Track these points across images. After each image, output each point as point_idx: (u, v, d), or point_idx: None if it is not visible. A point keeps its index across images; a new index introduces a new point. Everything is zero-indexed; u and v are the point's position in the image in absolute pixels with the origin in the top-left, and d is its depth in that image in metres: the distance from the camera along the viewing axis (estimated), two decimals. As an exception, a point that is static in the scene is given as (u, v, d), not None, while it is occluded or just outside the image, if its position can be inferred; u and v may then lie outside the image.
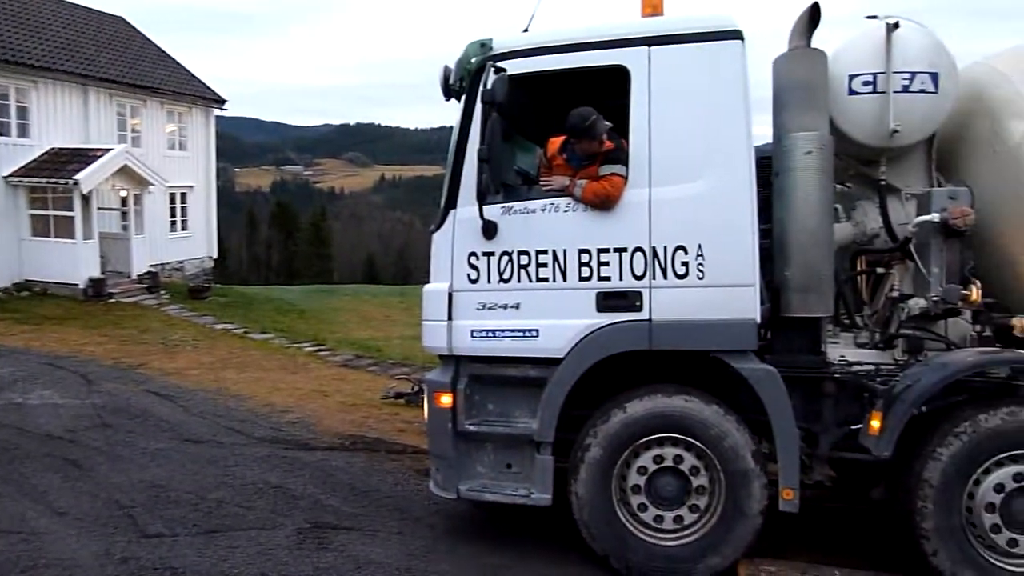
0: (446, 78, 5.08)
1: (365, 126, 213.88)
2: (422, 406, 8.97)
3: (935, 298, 4.69)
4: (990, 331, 4.79)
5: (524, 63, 4.84)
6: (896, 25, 4.84)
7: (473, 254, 4.86)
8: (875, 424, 4.41)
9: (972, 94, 5.00)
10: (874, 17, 5.01)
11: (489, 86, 4.62)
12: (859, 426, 4.64)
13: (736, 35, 4.63)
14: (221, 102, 24.40)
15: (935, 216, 4.66)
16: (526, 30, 5.19)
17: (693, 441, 4.56)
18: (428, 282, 5.07)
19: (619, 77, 4.74)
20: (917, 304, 4.77)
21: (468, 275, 4.87)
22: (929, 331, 4.83)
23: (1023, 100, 4.74)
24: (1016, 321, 4.62)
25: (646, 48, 4.70)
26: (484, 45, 4.88)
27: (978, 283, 4.72)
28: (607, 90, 4.86)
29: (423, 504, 5.87)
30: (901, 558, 4.61)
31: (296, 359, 13.68)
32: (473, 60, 4.88)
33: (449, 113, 5.13)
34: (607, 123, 4.73)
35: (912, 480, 4.35)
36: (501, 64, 4.73)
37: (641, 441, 4.61)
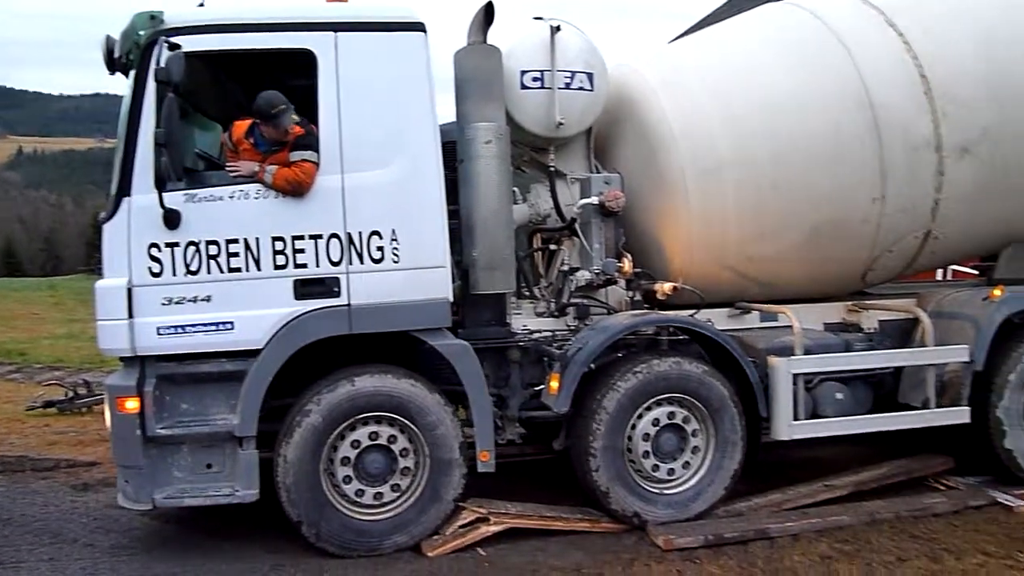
0: (110, 50, 4.63)
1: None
2: (81, 413, 8.12)
3: (597, 270, 5.38)
4: (640, 296, 5.64)
5: (201, 40, 4.57)
6: (558, 28, 5.41)
7: (155, 245, 4.51)
8: (554, 384, 4.98)
9: (619, 92, 5.77)
10: (540, 19, 5.53)
11: (163, 64, 4.28)
12: (542, 387, 5.20)
13: (418, 27, 4.84)
14: None
15: (594, 199, 5.35)
16: (201, 4, 4.89)
17: (409, 424, 4.75)
18: (98, 277, 4.60)
19: (307, 60, 4.69)
20: (583, 276, 5.43)
21: (150, 268, 4.51)
22: (594, 299, 5.53)
23: (657, 99, 5.59)
24: (658, 286, 5.48)
25: (332, 34, 4.72)
26: (154, 18, 4.51)
27: (630, 256, 5.52)
28: (296, 72, 4.79)
29: (81, 523, 5.36)
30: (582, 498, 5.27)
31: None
32: (142, 33, 4.48)
33: (107, 80, 4.66)
34: (294, 109, 4.67)
35: (592, 407, 4.94)
36: (175, 40, 4.41)
37: (360, 416, 4.69)
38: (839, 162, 5.53)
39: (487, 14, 5.22)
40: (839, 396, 5.41)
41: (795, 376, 5.18)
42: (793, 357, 5.22)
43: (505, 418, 5.29)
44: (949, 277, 8.39)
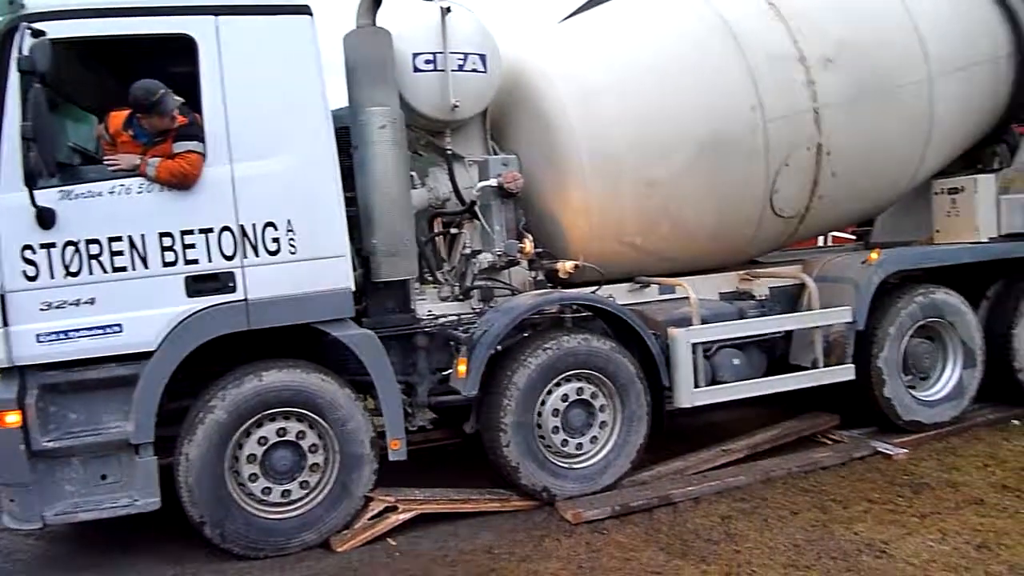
0: (-35, 39, 4.26)
1: None
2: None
3: (499, 252, 5.39)
4: (543, 275, 5.70)
5: (68, 26, 4.28)
6: (448, 9, 5.34)
7: (28, 247, 4.23)
8: (461, 368, 4.98)
9: (513, 73, 5.77)
10: (429, 0, 5.46)
11: (27, 52, 4.00)
12: (450, 371, 5.20)
13: (304, 10, 4.69)
14: None
15: (492, 181, 5.35)
16: None
17: (318, 419, 4.66)
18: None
19: (187, 46, 4.48)
20: (485, 258, 5.44)
21: (24, 272, 4.23)
22: (497, 280, 5.55)
23: (551, 81, 5.63)
24: (559, 265, 5.55)
25: (212, 17, 4.51)
26: (13, 2, 4.19)
27: (531, 236, 5.56)
28: (177, 58, 4.56)
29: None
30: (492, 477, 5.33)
31: None
32: (0, 19, 4.16)
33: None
34: (177, 97, 4.46)
35: (503, 383, 4.98)
36: (38, 26, 4.12)
37: (267, 412, 4.57)
38: (712, 81, 5.74)
39: (375, -5, 5.11)
40: (736, 362, 5.64)
41: (694, 345, 5.38)
42: (691, 327, 5.41)
43: (414, 405, 5.27)
44: (830, 243, 8.89)
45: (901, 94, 6.20)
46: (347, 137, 5.10)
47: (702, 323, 5.47)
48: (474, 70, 5.45)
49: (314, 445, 4.70)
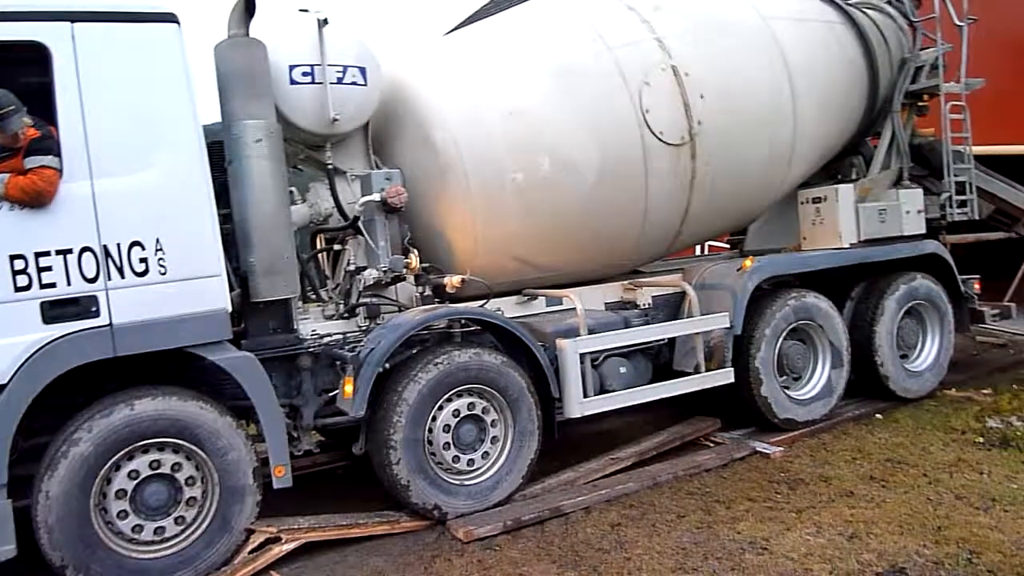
0: None
1: None
2: None
3: (384, 268, 5.28)
4: (430, 290, 5.64)
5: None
6: (326, 21, 5.22)
7: None
8: (348, 388, 4.84)
9: (395, 87, 5.70)
10: (306, 11, 5.31)
11: None
12: (336, 392, 5.04)
13: (169, 18, 4.47)
14: None
15: (376, 196, 5.24)
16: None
17: (196, 450, 4.41)
18: None
19: (40, 54, 4.17)
20: (371, 274, 5.32)
21: None
22: (383, 297, 5.45)
23: (434, 94, 5.60)
24: (446, 280, 5.50)
25: (68, 24, 4.22)
26: None
27: (416, 251, 5.49)
28: (29, 67, 4.23)
29: None
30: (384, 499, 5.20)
31: None
32: None
33: None
34: (27, 118, 4.14)
35: (393, 400, 4.88)
36: None
37: (140, 444, 4.27)
38: (595, 95, 5.83)
39: (247, 5, 4.92)
40: (623, 370, 5.77)
41: (582, 355, 5.45)
42: (579, 338, 5.49)
43: (300, 428, 5.08)
44: (707, 252, 9.28)
45: (769, 116, 6.54)
46: (221, 152, 4.88)
47: (589, 333, 5.56)
48: (354, 83, 5.34)
49: (191, 478, 4.44)
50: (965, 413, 6.66)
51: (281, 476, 4.68)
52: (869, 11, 7.66)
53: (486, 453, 5.23)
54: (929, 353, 7.31)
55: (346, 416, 4.92)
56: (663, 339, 6.05)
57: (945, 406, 6.94)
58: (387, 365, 4.95)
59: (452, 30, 7.04)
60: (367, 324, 5.34)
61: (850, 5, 7.54)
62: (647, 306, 6.38)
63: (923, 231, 7.33)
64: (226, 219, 4.81)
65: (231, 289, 4.67)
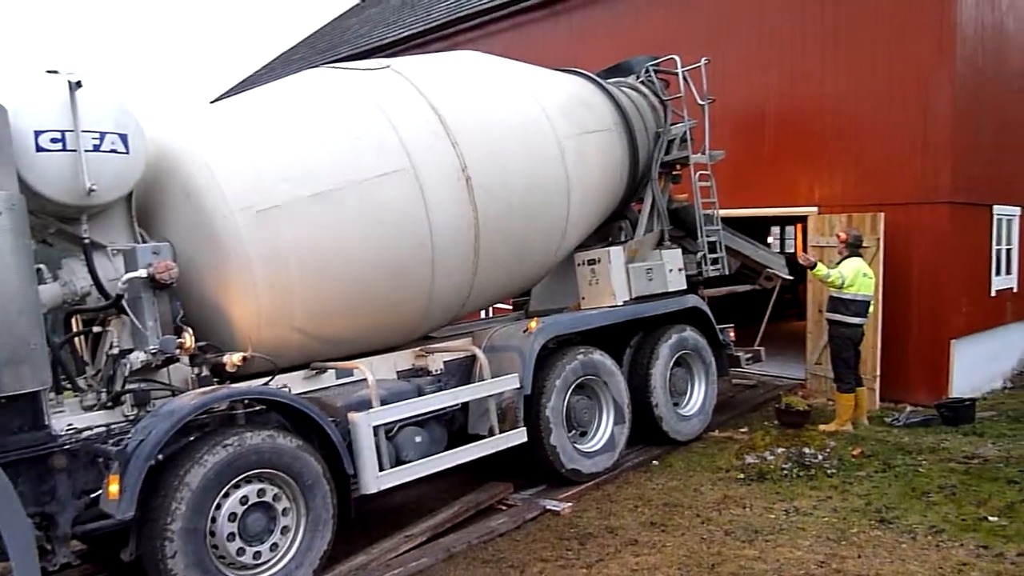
0: None
1: None
2: None
3: (153, 350, 4.85)
4: (207, 371, 5.24)
5: None
6: (79, 83, 4.78)
7: None
8: (113, 488, 4.35)
9: (162, 155, 5.33)
10: (55, 72, 4.84)
11: None
12: (100, 492, 4.50)
13: None
14: None
15: (142, 271, 4.82)
16: None
17: None
18: None
19: None
20: (138, 358, 4.86)
21: None
22: (154, 381, 5.00)
23: (205, 164, 5.28)
24: (227, 358, 5.15)
25: None
26: None
27: (191, 330, 5.09)
28: None
29: None
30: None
31: None
32: None
33: None
34: None
35: (173, 484, 4.47)
36: None
37: None
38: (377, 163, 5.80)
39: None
40: (418, 439, 5.71)
41: (375, 428, 5.34)
42: (371, 410, 5.37)
43: (55, 539, 4.45)
44: (491, 315, 9.56)
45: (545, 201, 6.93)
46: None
47: (381, 404, 5.46)
48: (113, 150, 4.91)
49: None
50: (727, 452, 7.35)
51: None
52: (626, 89, 8.44)
53: (275, 544, 4.90)
54: (697, 399, 8.04)
55: (112, 519, 4.39)
56: (456, 404, 6.08)
57: (711, 447, 7.62)
58: (160, 457, 4.51)
59: (219, 98, 6.73)
60: (135, 413, 4.86)
61: (610, 83, 8.26)
62: (439, 371, 6.40)
63: (684, 287, 8.09)
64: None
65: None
